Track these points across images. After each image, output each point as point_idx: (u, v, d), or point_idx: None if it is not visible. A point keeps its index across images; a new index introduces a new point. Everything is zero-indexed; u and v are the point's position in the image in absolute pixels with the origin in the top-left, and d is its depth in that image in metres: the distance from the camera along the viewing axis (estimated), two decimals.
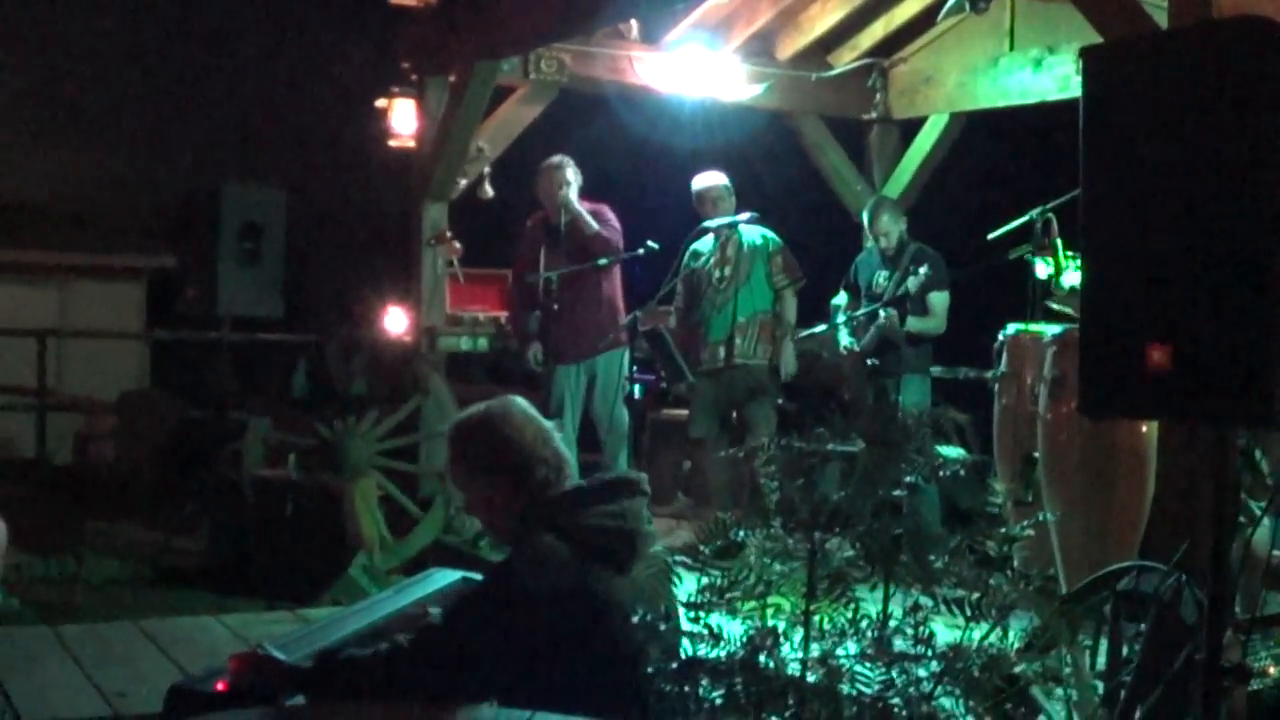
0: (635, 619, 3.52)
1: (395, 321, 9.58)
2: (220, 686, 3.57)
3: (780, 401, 8.89)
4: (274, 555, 8.05)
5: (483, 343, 10.01)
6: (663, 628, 3.51)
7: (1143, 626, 4.11)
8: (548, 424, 3.94)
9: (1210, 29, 3.65)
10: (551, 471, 3.84)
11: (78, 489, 11.43)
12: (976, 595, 3.55)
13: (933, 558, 3.56)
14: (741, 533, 3.59)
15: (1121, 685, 4.13)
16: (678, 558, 3.66)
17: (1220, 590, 3.31)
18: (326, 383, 9.13)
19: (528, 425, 3.88)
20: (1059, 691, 3.95)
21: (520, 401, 3.98)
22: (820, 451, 3.82)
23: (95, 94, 17.40)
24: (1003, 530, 3.76)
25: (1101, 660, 4.48)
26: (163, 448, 11.92)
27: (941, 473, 3.69)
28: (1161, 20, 5.32)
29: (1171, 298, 3.18)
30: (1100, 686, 4.41)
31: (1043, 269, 6.80)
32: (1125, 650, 4.25)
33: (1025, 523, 3.90)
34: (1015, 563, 3.81)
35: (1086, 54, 3.46)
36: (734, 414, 9.03)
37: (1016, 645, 3.64)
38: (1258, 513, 5.20)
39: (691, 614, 3.50)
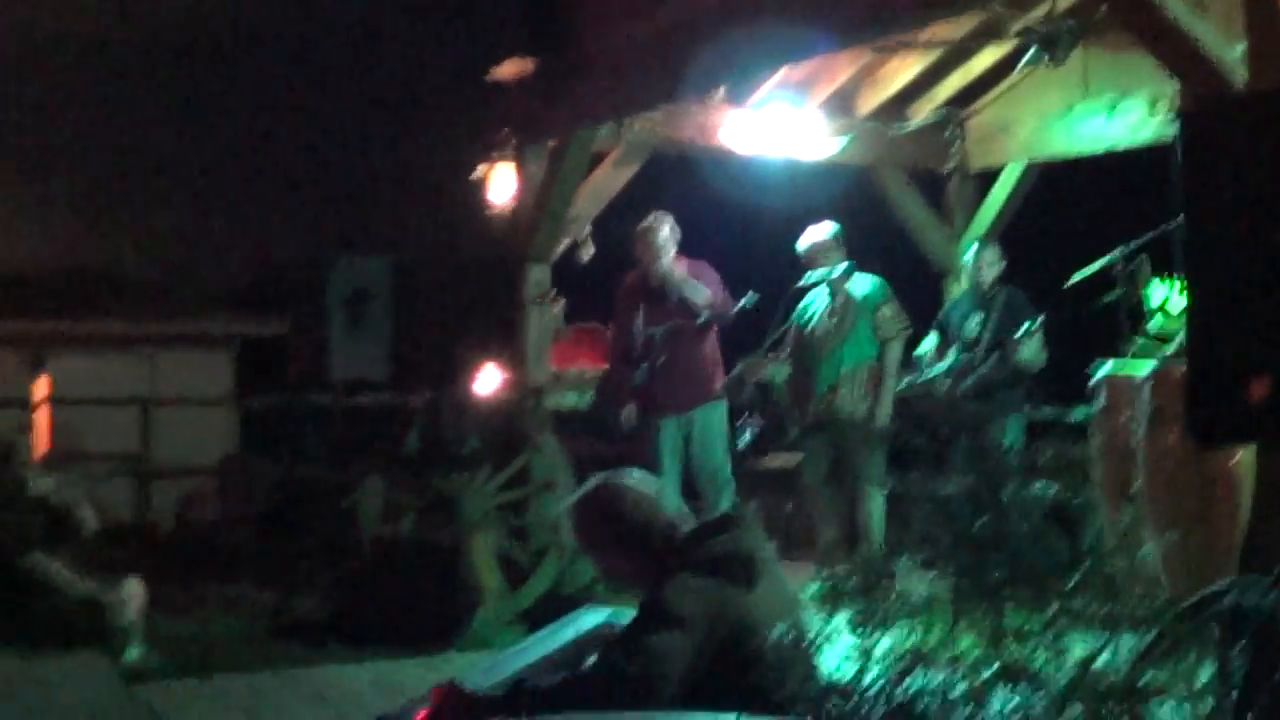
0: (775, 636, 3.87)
1: (502, 380, 9.81)
2: (420, 717, 3.90)
3: (896, 439, 8.93)
4: (396, 609, 8.23)
5: (587, 398, 10.25)
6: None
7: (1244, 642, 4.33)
8: (655, 489, 4.36)
9: None
10: (670, 529, 4.25)
11: (186, 552, 11.73)
12: (1106, 609, 3.81)
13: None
14: (896, 563, 3.87)
15: (1230, 700, 4.35)
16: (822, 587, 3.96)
17: None
18: (437, 441, 9.37)
19: (641, 501, 4.29)
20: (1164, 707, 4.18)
21: (632, 476, 4.41)
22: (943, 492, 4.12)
23: (179, 162, 17.58)
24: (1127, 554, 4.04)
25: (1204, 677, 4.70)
26: (265, 509, 12.26)
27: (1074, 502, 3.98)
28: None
29: (1275, 330, 3.48)
30: (1210, 701, 4.63)
31: (1160, 291, 7.06)
32: (1230, 666, 4.47)
33: (1148, 546, 4.18)
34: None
35: (1186, 116, 3.79)
36: (840, 462, 9.17)
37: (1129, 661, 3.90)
38: None
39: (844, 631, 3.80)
